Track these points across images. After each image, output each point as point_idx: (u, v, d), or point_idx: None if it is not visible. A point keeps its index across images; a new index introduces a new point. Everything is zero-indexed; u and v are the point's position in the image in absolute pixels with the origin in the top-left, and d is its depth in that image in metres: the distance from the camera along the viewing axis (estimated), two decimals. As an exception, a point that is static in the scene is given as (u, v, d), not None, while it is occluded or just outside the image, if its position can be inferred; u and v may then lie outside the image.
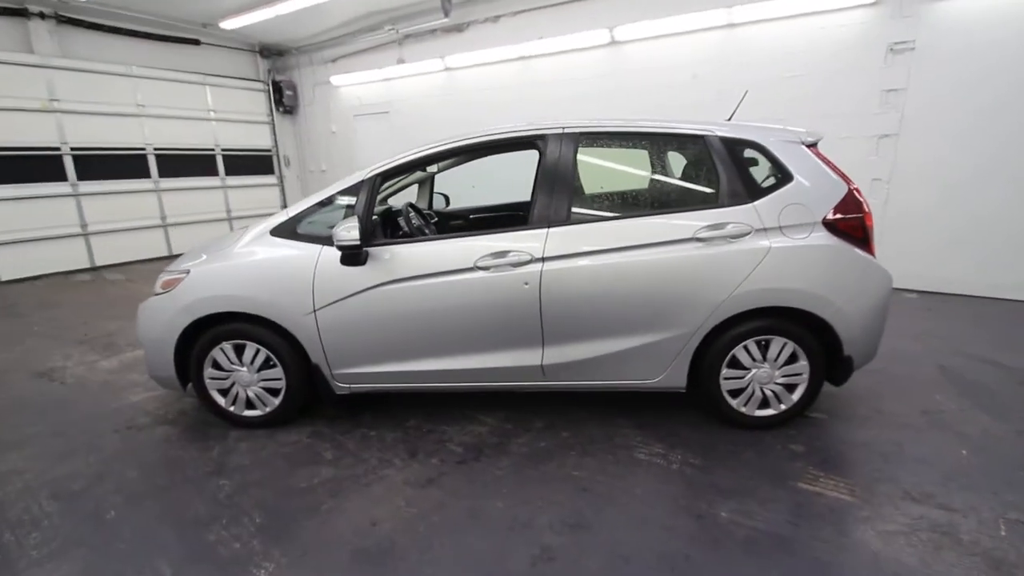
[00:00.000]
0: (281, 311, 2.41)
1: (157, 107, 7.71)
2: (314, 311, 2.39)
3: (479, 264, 2.31)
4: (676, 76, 5.59)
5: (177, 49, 7.94)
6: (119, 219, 7.46)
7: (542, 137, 2.43)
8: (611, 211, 2.44)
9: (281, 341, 2.47)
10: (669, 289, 2.29)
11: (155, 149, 7.75)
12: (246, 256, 2.47)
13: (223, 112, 8.50)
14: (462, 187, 4.54)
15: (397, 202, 3.34)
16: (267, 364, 2.53)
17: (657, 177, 2.62)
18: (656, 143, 2.55)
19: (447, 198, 4.21)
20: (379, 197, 3.63)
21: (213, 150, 8.46)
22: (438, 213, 3.95)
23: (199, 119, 8.27)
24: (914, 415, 2.61)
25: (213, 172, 8.51)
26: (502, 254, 2.30)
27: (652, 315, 2.32)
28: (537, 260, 2.29)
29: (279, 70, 9.11)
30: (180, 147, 8.03)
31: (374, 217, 2.63)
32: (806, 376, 2.42)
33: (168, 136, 7.90)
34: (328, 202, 2.52)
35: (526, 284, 2.30)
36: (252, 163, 9.07)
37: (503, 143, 2.47)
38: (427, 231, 3.07)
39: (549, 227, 2.32)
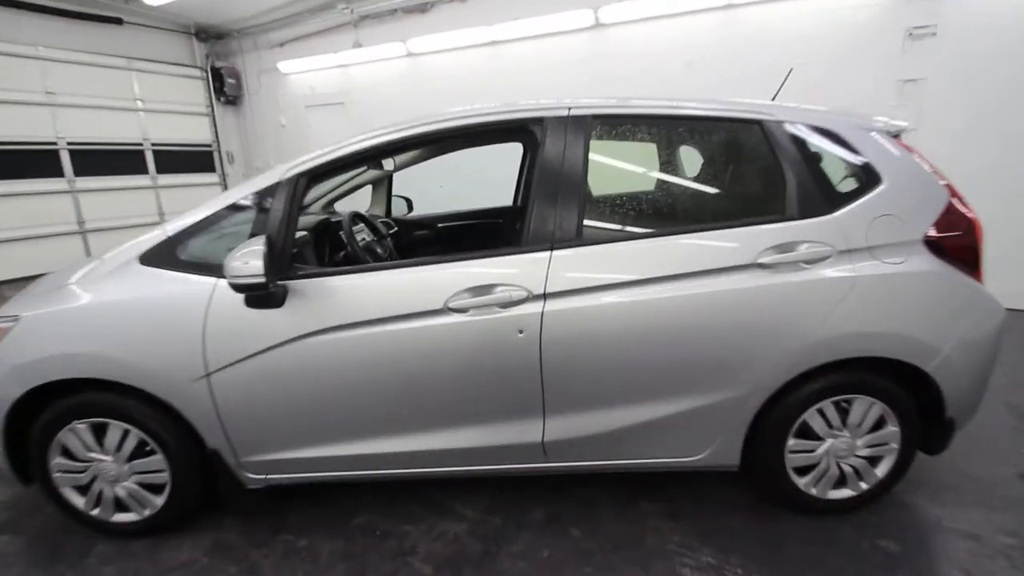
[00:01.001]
0: (157, 376, 1.63)
1: (71, 95, 6.64)
2: (207, 375, 1.62)
3: (453, 304, 1.59)
4: (669, 62, 4.97)
5: (96, 29, 6.87)
6: (25, 225, 6.36)
7: (538, 122, 1.72)
8: (637, 225, 1.75)
9: (161, 418, 1.69)
10: (723, 336, 1.63)
11: (68, 143, 6.68)
12: (102, 295, 1.67)
13: (153, 102, 7.47)
14: (427, 186, 3.79)
15: (355, 208, 2.58)
16: (142, 450, 1.74)
17: (699, 177, 1.93)
18: (696, 130, 1.86)
19: (409, 202, 3.46)
20: (320, 202, 2.89)
21: (141, 145, 7.42)
22: (397, 222, 3.19)
23: (123, 109, 7.22)
24: (1011, 480, 2.03)
25: (142, 170, 7.47)
26: (486, 289, 1.59)
27: (698, 372, 1.65)
28: (536, 298, 1.59)
29: (219, 55, 8.10)
30: (100, 141, 6.97)
31: (300, 234, 1.87)
32: (896, 445, 1.80)
33: (85, 128, 6.83)
34: (229, 213, 1.74)
35: (521, 332, 1.59)
36: (189, 160, 8.06)
37: (483, 129, 1.75)
38: (379, 251, 2.31)
39: (552, 249, 1.62)
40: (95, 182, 7.13)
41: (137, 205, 7.59)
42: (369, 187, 3.22)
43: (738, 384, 1.66)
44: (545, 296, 1.59)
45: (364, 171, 2.88)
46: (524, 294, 1.59)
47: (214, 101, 8.23)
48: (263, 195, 1.68)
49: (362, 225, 2.31)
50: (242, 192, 1.72)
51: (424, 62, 6.39)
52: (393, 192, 3.33)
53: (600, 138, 1.73)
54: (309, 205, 3.03)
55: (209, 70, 8.07)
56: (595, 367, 1.64)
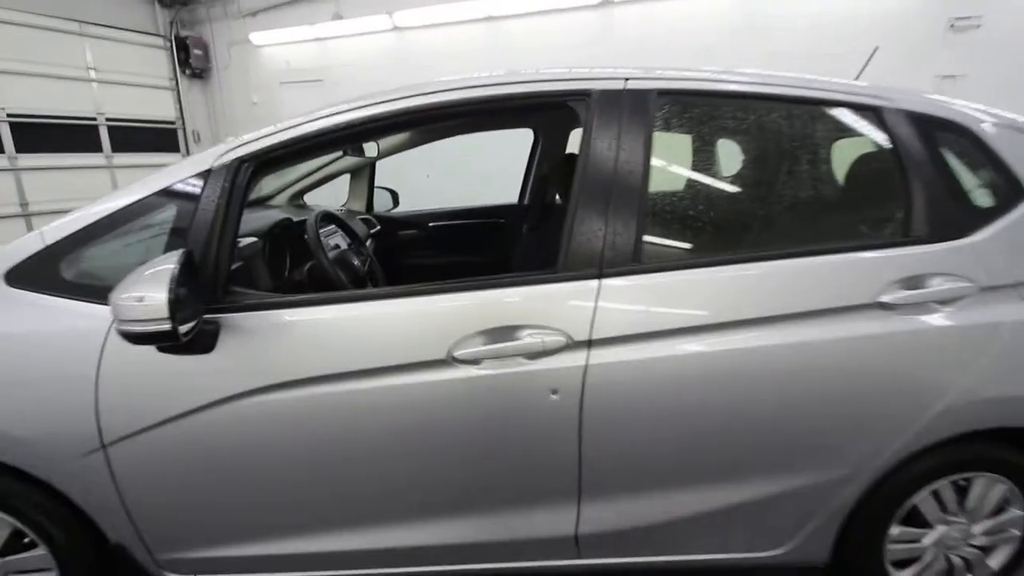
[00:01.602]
0: (29, 446, 1.13)
1: (11, 60, 5.90)
2: (103, 446, 1.12)
3: (460, 354, 1.12)
4: (684, 46, 4.52)
5: (40, -14, 6.11)
6: (-45, 206, 5.62)
7: (581, 96, 1.24)
8: (715, 247, 1.30)
9: (43, 501, 1.19)
10: (829, 401, 1.19)
11: (9, 116, 5.95)
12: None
13: (108, 72, 6.74)
14: (411, 176, 3.29)
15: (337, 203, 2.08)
16: (18, 543, 1.23)
17: (797, 181, 1.46)
18: (797, 116, 1.38)
19: (395, 196, 2.96)
20: (284, 194, 2.38)
21: (95, 120, 6.70)
22: (380, 219, 2.69)
23: (74, 79, 6.49)
24: None
25: (95, 148, 6.75)
26: (506, 333, 1.13)
27: (792, 447, 1.23)
28: (577, 346, 1.14)
29: (185, 24, 7.38)
30: (46, 114, 6.24)
31: (247, 241, 1.38)
32: (1019, 532, 1.40)
33: (28, 99, 6.08)
34: (139, 212, 1.23)
35: (555, 394, 1.14)
36: (150, 138, 7.35)
37: (497, 105, 1.27)
38: (356, 261, 1.79)
39: (601, 276, 1.16)
40: (40, 159, 6.40)
41: (89, 185, 6.86)
42: (347, 177, 2.71)
43: (842, 462, 1.24)
44: (590, 344, 1.14)
45: (340, 157, 2.38)
46: (560, 341, 1.13)
47: (179, 74, 7.52)
48: (186, 188, 1.17)
49: (334, 227, 1.82)
50: (160, 182, 1.21)
51: (412, 38, 5.82)
52: (376, 183, 2.82)
53: (667, 123, 1.26)
54: (269, 198, 2.52)
55: (173, 39, 7.35)
56: (653, 439, 1.20)
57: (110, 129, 7.02)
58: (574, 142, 2.71)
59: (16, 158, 6.14)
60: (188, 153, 7.78)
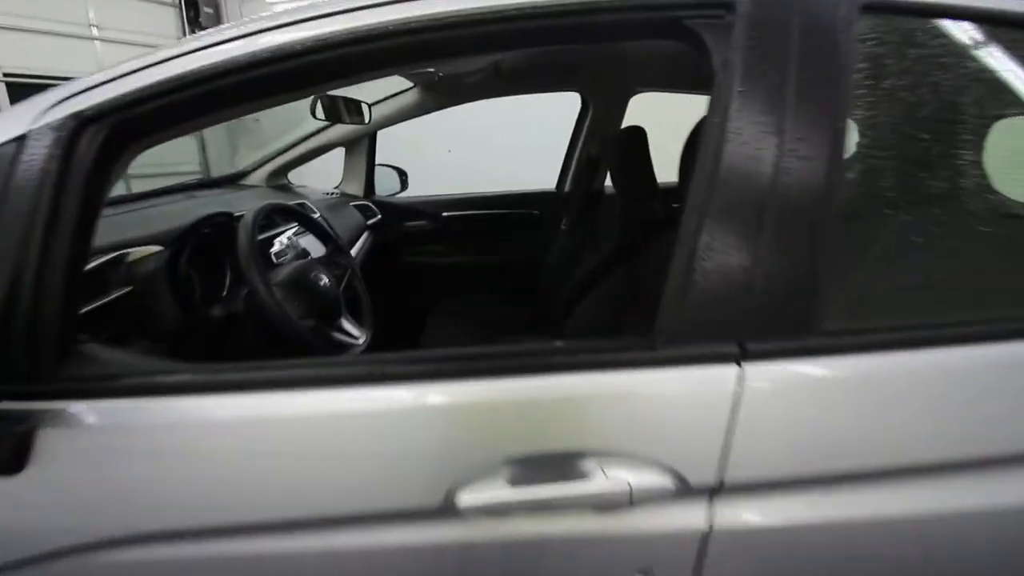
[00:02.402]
0: None
1: (6, 15, 5.47)
2: None
3: (469, 503, 0.57)
4: None
5: (39, -67, 5.64)
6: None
7: (716, 12, 0.65)
8: (985, 305, 0.70)
9: None
10: None
11: (5, 75, 5.54)
12: None
13: (112, 30, 6.28)
14: (429, 150, 2.73)
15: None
16: None
17: None
18: None
19: (403, 176, 2.41)
20: (261, 171, 1.84)
21: (98, 82, 6.24)
22: (382, 207, 2.16)
23: (76, 37, 6.05)
24: None
25: (99, 113, 6.30)
26: (557, 464, 0.57)
27: None
28: (691, 493, 0.57)
29: (196, -21, 6.86)
30: (45, 74, 5.81)
31: (138, 253, 0.86)
32: None
33: (25, 57, 5.65)
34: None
35: (645, 582, 0.59)
36: (157, 104, 6.89)
37: (555, 25, 0.68)
38: (324, 282, 1.19)
39: (744, 356, 0.60)
40: (39, 124, 5.94)
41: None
42: (342, 152, 2.17)
43: None
44: (717, 491, 0.59)
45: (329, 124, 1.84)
46: (659, 483, 0.58)
47: (188, 34, 7.04)
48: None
49: (290, 235, 1.23)
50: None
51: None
52: (377, 160, 2.27)
53: (880, 65, 0.66)
54: (242, 175, 2.00)
55: (181, -4, 6.86)
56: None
57: (114, 93, 6.55)
58: (637, 113, 2.15)
59: (13, 122, 5.69)
60: (198, 121, 7.34)
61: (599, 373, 0.61)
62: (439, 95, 1.91)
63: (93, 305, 0.86)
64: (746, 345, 0.60)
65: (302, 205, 1.67)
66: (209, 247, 1.09)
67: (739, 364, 0.60)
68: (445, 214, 2.28)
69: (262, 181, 2.08)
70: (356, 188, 2.25)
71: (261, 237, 1.38)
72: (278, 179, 2.13)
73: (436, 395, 0.61)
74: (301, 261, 1.19)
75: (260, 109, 0.77)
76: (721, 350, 0.60)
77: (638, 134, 1.71)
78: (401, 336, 2.23)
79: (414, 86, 1.87)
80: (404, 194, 2.43)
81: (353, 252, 1.92)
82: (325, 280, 1.16)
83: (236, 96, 0.71)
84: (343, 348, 1.16)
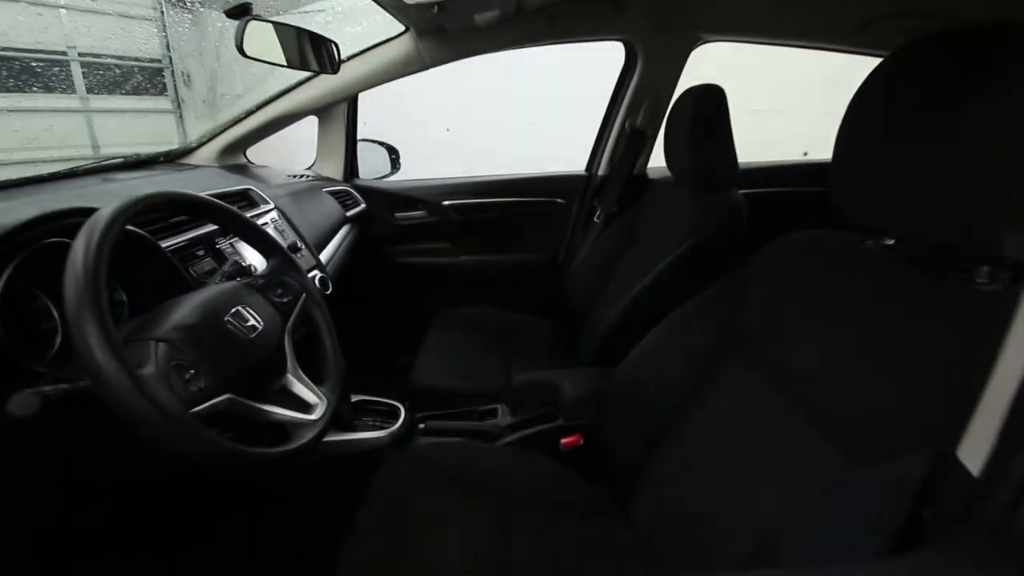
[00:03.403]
0: None
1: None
2: None
3: None
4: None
5: None
6: None
7: None
8: None
9: None
10: None
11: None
12: None
13: (80, -2, 5.71)
14: (425, 129, 2.24)
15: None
16: None
17: None
18: None
19: (394, 154, 1.94)
20: (211, 147, 1.36)
21: (65, 55, 5.73)
22: (366, 193, 1.70)
23: (37, 3, 5.49)
24: None
25: (66, 87, 5.80)
26: None
27: None
28: None
29: (172, -60, 6.28)
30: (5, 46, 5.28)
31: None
32: None
33: None
34: None
35: None
36: (131, 77, 6.38)
37: None
38: (247, 341, 0.67)
39: None
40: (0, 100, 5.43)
41: (61, 133, 5.94)
42: (313, 122, 1.69)
43: None
44: None
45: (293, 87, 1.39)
46: None
47: (163, 2, 6.49)
48: None
49: (229, 242, 0.76)
50: None
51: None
52: (360, 135, 1.80)
53: None
54: (186, 151, 1.56)
55: (155, -42, 6.29)
56: None
57: (84, 66, 6.04)
58: (694, 68, 1.66)
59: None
60: (179, 97, 6.83)
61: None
62: (439, 45, 1.43)
63: None
64: None
65: (245, 193, 1.20)
66: (53, 265, 0.63)
67: None
68: (446, 202, 1.80)
69: (212, 160, 1.62)
70: (333, 170, 1.77)
71: (176, 242, 0.94)
72: (232, 156, 1.66)
73: None
74: (207, 291, 0.73)
75: None
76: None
77: (716, 96, 1.25)
78: (388, 357, 1.78)
79: (406, 30, 1.39)
80: (395, 177, 1.96)
81: (328, 251, 1.47)
82: (253, 320, 0.71)
83: None
84: (281, 433, 0.71)
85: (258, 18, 1.05)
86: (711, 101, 1.26)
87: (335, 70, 1.32)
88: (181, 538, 1.18)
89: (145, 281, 0.84)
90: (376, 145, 1.91)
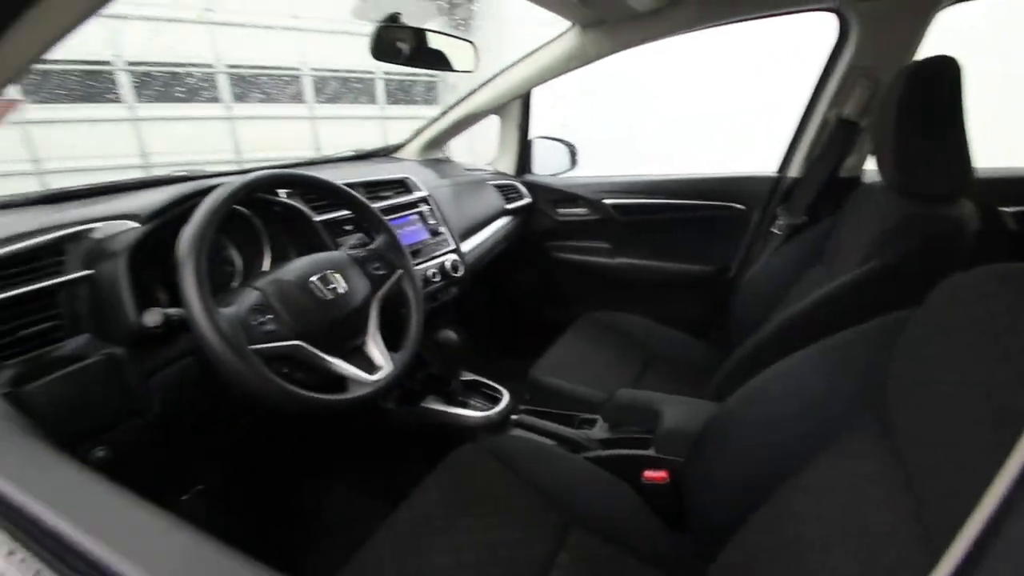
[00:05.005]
0: None
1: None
2: None
3: None
4: None
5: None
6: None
7: None
8: None
9: None
10: None
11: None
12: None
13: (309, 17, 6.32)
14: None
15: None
16: None
17: None
18: None
19: (572, 151, 1.96)
20: (416, 143, 1.63)
21: (371, 72, 7.27)
22: (536, 191, 1.79)
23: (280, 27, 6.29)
24: None
25: (370, 98, 7.33)
26: None
27: None
28: None
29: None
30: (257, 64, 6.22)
31: None
32: None
33: (240, 50, 5.95)
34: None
35: None
36: (414, 88, 7.70)
37: None
38: (328, 301, 0.84)
39: None
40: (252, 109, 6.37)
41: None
42: (495, 120, 1.83)
43: None
44: None
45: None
46: None
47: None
48: None
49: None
50: None
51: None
52: (531, 132, 1.86)
53: None
54: (395, 148, 1.86)
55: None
56: None
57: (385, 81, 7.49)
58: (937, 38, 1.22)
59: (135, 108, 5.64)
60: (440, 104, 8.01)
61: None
62: (604, 37, 1.37)
63: (27, 289, 0.69)
64: None
65: (403, 181, 1.37)
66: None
67: None
68: (607, 201, 1.74)
69: (415, 154, 1.90)
70: (508, 164, 1.89)
71: (328, 217, 1.13)
72: (433, 151, 1.92)
73: None
74: (316, 256, 0.89)
75: None
76: None
77: (947, 73, 0.92)
78: (522, 346, 1.80)
79: (571, 26, 1.38)
80: (570, 174, 1.97)
81: (477, 239, 1.56)
82: (336, 284, 0.82)
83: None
84: (339, 386, 0.82)
85: (394, 24, 1.17)
86: (939, 80, 0.91)
87: (470, 68, 1.39)
88: (302, 465, 1.41)
89: (299, 244, 1.04)
90: (553, 142, 1.95)
